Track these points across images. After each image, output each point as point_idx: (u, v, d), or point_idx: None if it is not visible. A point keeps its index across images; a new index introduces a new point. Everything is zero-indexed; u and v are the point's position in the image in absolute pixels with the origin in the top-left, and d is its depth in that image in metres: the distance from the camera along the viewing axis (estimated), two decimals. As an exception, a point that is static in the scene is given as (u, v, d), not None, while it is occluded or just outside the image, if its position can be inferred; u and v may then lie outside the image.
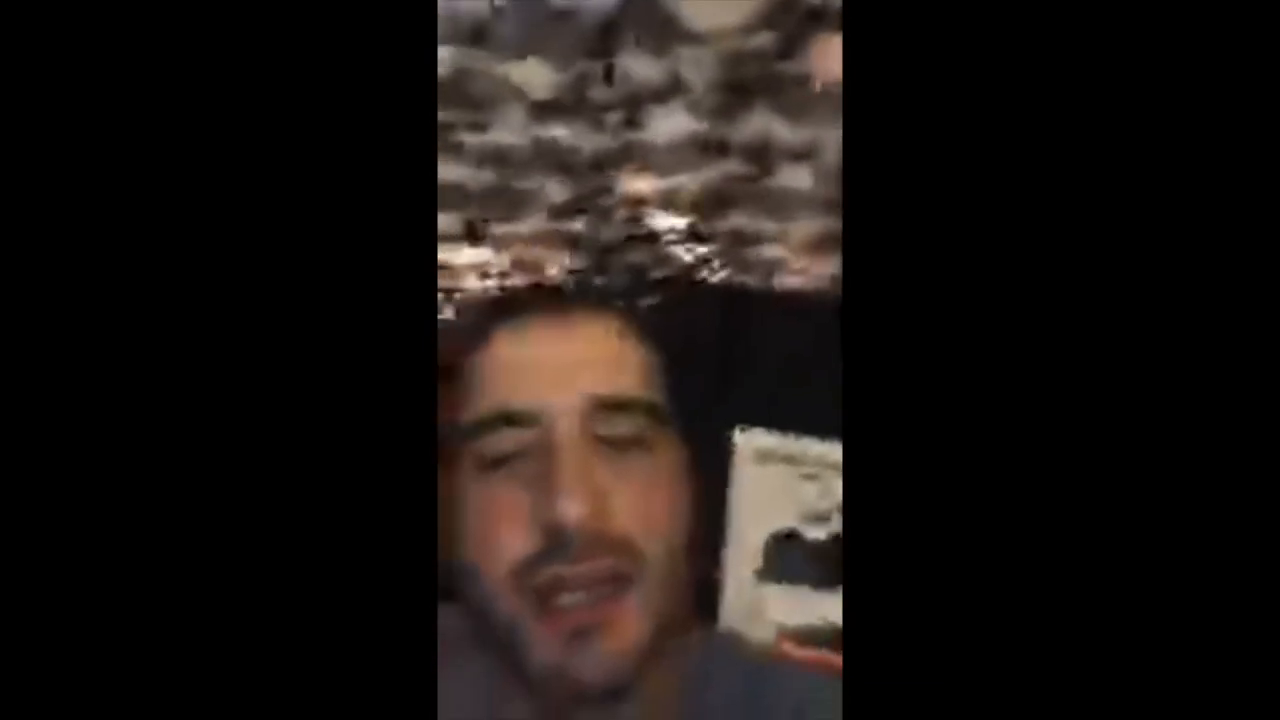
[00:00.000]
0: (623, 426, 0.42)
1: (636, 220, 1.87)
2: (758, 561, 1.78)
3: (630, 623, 0.40)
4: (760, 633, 1.76)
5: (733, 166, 1.71)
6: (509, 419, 0.42)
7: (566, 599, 0.39)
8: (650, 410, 0.43)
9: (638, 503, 0.41)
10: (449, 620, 0.46)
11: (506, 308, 0.47)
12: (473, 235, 2.10)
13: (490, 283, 2.36)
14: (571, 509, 0.38)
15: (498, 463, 0.41)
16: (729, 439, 1.63)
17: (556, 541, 0.39)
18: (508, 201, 1.89)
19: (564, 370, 0.43)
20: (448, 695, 0.41)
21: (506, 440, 0.41)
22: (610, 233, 1.93)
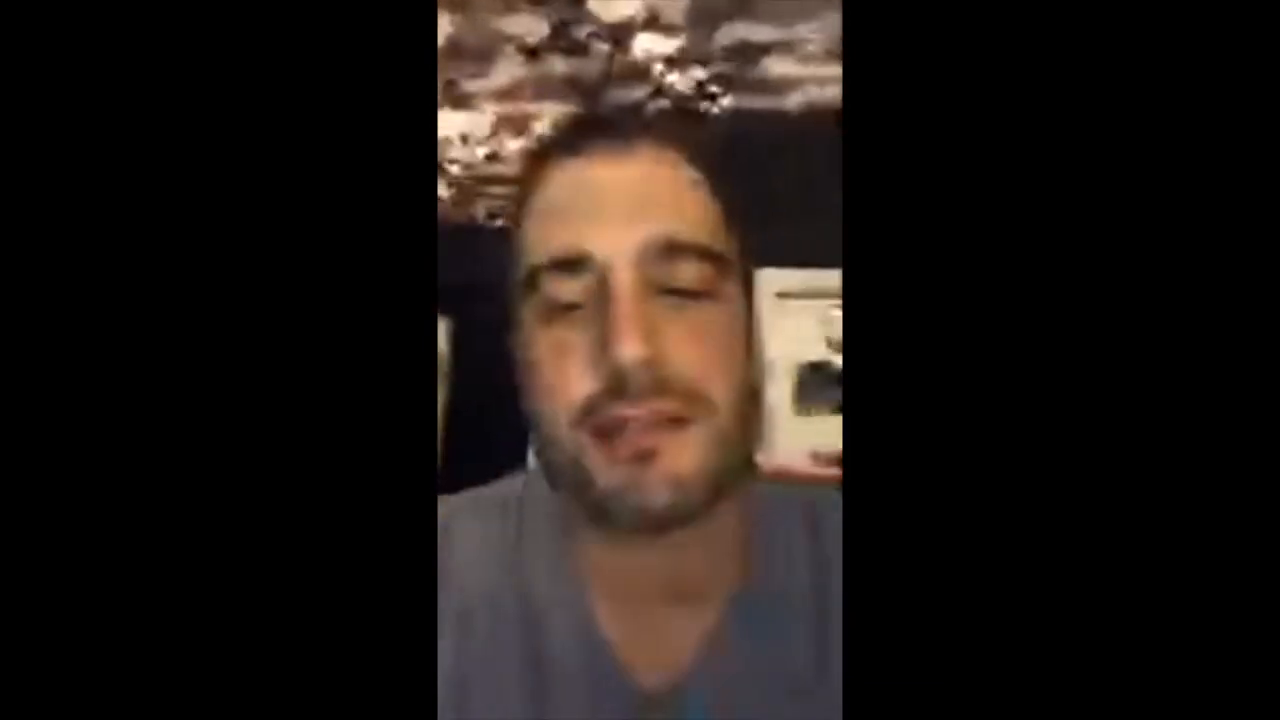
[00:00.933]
0: (684, 273, 0.41)
1: (621, 50, 1.64)
2: (789, 393, 1.79)
3: (692, 451, 0.40)
4: (796, 460, 1.80)
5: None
6: (568, 264, 0.41)
7: (627, 433, 0.40)
8: (712, 256, 0.42)
9: (698, 350, 0.41)
10: (509, 489, 0.52)
11: (565, 142, 0.45)
12: (452, 97, 1.90)
13: (481, 150, 2.18)
14: (628, 352, 0.38)
15: (561, 308, 0.41)
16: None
17: (617, 383, 0.39)
18: (476, 52, 1.68)
19: (623, 211, 0.42)
20: (522, 551, 0.48)
21: (568, 286, 0.41)
22: (593, 69, 1.71)
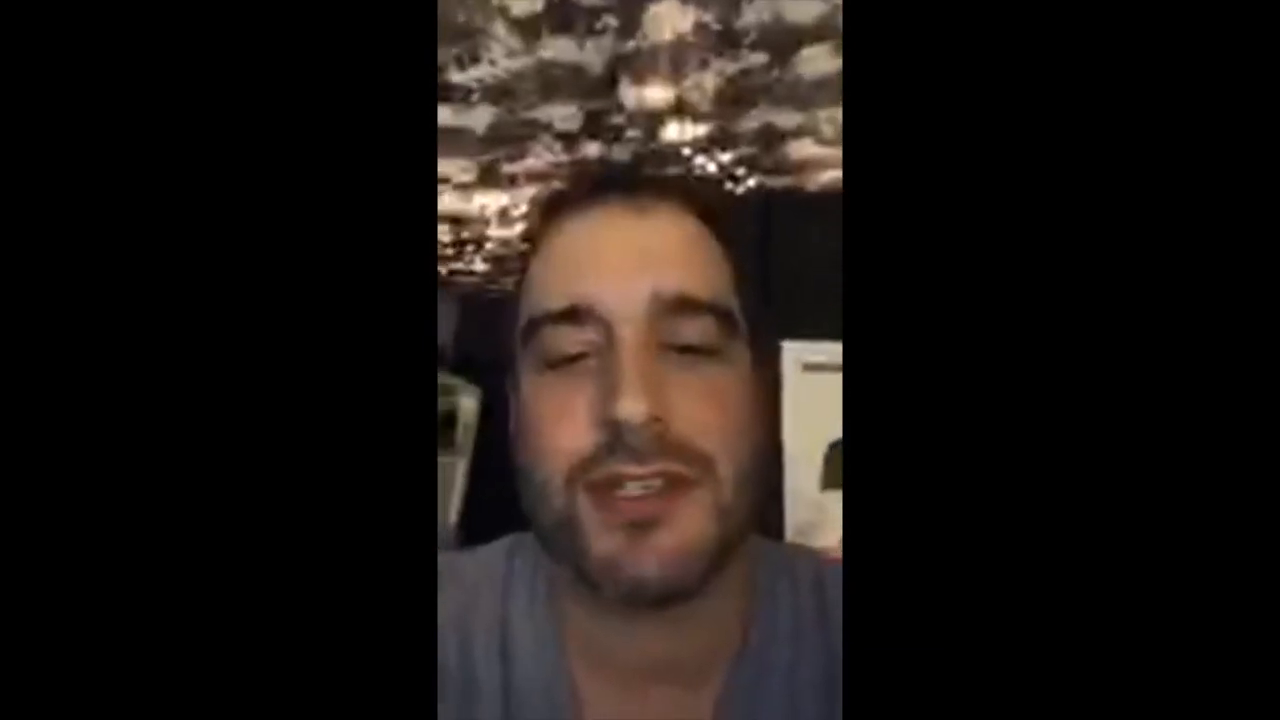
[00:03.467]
0: (691, 330, 0.39)
1: (652, 135, 1.74)
2: (817, 471, 1.76)
3: (693, 522, 0.38)
4: (826, 540, 1.74)
5: (746, 59, 1.56)
6: (572, 316, 0.39)
7: (626, 493, 0.37)
8: (721, 314, 0.40)
9: (704, 410, 0.39)
10: (499, 553, 0.49)
11: (577, 195, 0.44)
12: (489, 178, 2.01)
13: (518, 228, 2.27)
14: (632, 409, 0.36)
15: (563, 360, 0.40)
16: (777, 351, 1.59)
17: (617, 440, 0.37)
18: (513, 137, 1.79)
19: (631, 264, 0.40)
20: (510, 617, 0.45)
21: (571, 338, 0.40)
22: (626, 152, 1.81)
